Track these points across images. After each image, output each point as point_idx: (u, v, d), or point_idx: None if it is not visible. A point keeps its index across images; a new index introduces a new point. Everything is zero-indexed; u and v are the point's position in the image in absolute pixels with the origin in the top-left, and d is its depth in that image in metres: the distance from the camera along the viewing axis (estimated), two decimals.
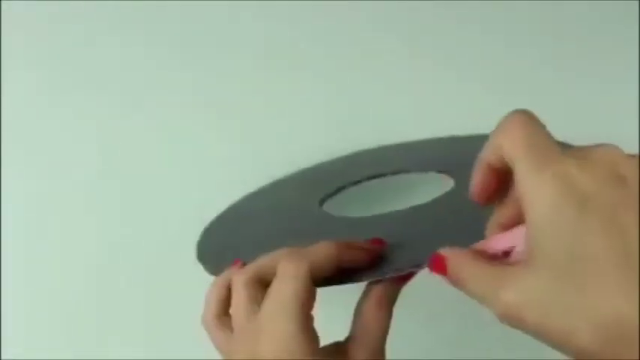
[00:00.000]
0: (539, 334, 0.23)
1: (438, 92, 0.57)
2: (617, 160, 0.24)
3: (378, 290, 0.32)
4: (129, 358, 0.51)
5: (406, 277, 0.33)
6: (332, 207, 0.46)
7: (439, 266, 0.28)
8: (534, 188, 0.24)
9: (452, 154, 0.48)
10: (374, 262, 0.33)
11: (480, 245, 0.28)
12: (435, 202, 0.39)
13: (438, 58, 0.57)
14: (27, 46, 0.53)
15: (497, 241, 0.28)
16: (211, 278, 0.36)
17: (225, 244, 0.43)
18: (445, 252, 0.28)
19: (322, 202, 0.46)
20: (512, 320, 0.24)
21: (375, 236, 0.34)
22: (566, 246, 0.23)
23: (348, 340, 0.33)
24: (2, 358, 0.51)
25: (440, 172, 0.45)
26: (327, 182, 0.48)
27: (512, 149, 0.25)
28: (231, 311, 0.33)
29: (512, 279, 0.24)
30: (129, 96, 0.54)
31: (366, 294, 0.33)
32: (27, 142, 0.53)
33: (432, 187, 0.43)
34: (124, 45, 0.54)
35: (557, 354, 0.24)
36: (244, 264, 0.35)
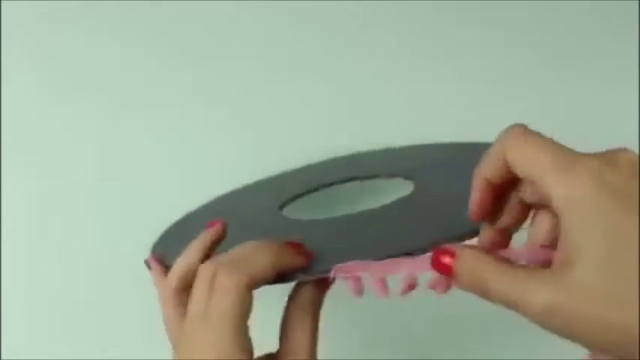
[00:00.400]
0: (587, 331, 0.24)
1: (436, 92, 0.57)
2: (635, 160, 0.25)
3: (303, 295, 0.32)
4: (129, 358, 0.51)
5: (331, 281, 0.32)
6: (299, 211, 0.46)
7: (444, 266, 0.27)
8: (570, 191, 0.24)
9: (421, 161, 0.48)
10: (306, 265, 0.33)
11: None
12: (387, 207, 0.40)
13: (438, 59, 0.57)
14: (27, 46, 0.53)
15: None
16: None
17: (177, 244, 0.43)
18: (454, 248, 0.27)
19: (282, 206, 0.46)
20: (554, 318, 0.24)
21: (315, 238, 0.35)
22: (609, 243, 0.23)
23: (279, 351, 0.32)
24: (2, 358, 0.51)
25: (406, 178, 0.45)
26: (290, 188, 0.49)
27: (534, 161, 0.26)
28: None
29: (552, 278, 0.24)
30: (129, 96, 0.54)
31: (292, 300, 0.33)
32: (27, 142, 0.53)
33: (401, 193, 0.43)
34: (124, 45, 0.54)
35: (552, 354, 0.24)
36: (160, 259, 0.40)
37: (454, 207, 0.34)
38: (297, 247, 0.33)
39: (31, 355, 0.51)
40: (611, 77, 0.57)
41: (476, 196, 0.29)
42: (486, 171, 0.28)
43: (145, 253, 0.52)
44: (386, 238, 0.35)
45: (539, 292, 0.24)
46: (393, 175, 0.47)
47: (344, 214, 0.40)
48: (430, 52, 0.57)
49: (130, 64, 0.54)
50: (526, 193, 0.28)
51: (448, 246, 0.28)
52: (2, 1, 0.52)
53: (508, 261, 0.27)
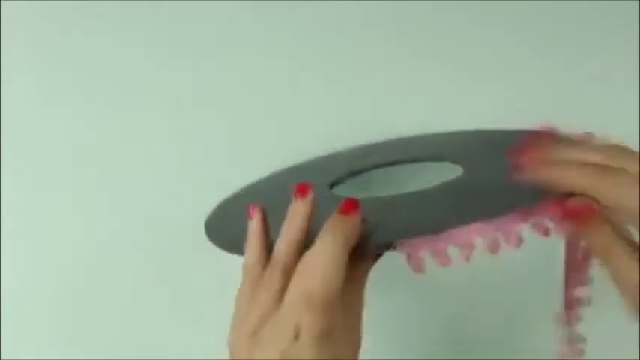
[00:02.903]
0: None
1: (437, 91, 0.57)
2: None
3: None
4: (129, 359, 0.51)
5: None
6: (345, 193, 0.46)
7: (582, 213, 0.30)
8: None
9: (467, 147, 0.48)
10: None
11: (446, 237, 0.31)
12: (439, 188, 0.40)
13: (439, 58, 0.57)
14: (27, 46, 0.53)
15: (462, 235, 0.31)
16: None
17: (232, 219, 0.44)
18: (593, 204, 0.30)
19: (332, 186, 0.46)
20: None
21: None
22: None
23: None
24: (2, 358, 0.51)
25: (454, 162, 0.45)
26: (339, 169, 0.49)
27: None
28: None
29: None
30: (129, 96, 0.54)
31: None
32: (27, 141, 0.53)
33: (446, 176, 0.43)
34: (124, 45, 0.54)
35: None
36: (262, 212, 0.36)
37: (503, 191, 0.36)
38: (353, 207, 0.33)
39: (31, 355, 0.51)
40: (611, 77, 0.57)
41: None
42: None
43: (146, 251, 0.53)
44: (438, 216, 0.36)
45: None
46: (439, 160, 0.47)
47: (394, 194, 0.40)
48: (431, 51, 0.57)
49: (130, 64, 0.54)
50: None
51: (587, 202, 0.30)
52: (2, 2, 0.52)
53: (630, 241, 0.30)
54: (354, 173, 0.48)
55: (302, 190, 0.35)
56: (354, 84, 0.56)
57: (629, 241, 0.30)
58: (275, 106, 0.55)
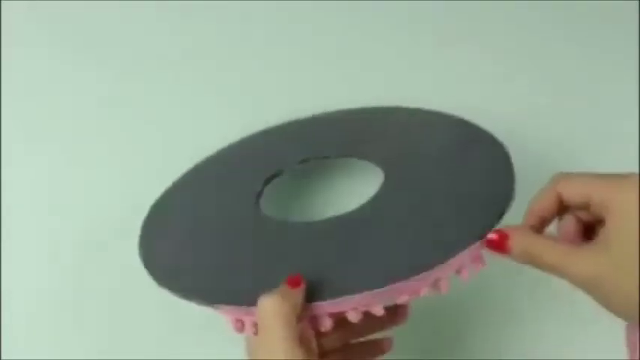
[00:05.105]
0: (621, 304, 0.29)
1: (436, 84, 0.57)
2: None
3: None
4: (130, 359, 0.51)
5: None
6: (276, 197, 0.46)
7: (501, 245, 0.33)
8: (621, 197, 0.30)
9: (375, 135, 0.47)
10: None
11: None
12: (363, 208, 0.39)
13: (438, 50, 0.57)
14: (26, 45, 0.53)
15: None
16: None
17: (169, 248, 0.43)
18: (507, 230, 0.33)
19: (266, 183, 0.45)
20: (595, 289, 0.30)
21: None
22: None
23: None
24: (2, 358, 0.51)
25: (377, 164, 0.44)
26: (257, 170, 0.47)
27: (587, 184, 0.32)
28: None
29: (588, 255, 0.30)
30: (123, 89, 0.54)
31: None
32: (27, 138, 0.53)
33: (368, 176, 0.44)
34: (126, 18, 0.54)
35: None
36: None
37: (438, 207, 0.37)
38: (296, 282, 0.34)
39: (31, 355, 0.51)
40: (611, 77, 0.57)
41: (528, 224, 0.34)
42: (540, 208, 0.33)
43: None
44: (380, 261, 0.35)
45: (584, 265, 0.30)
46: (345, 155, 0.46)
47: (324, 217, 0.40)
48: (431, 29, 0.57)
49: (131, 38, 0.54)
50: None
51: (501, 228, 0.33)
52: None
53: (553, 238, 0.32)
54: (273, 176, 0.46)
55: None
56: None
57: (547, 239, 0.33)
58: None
